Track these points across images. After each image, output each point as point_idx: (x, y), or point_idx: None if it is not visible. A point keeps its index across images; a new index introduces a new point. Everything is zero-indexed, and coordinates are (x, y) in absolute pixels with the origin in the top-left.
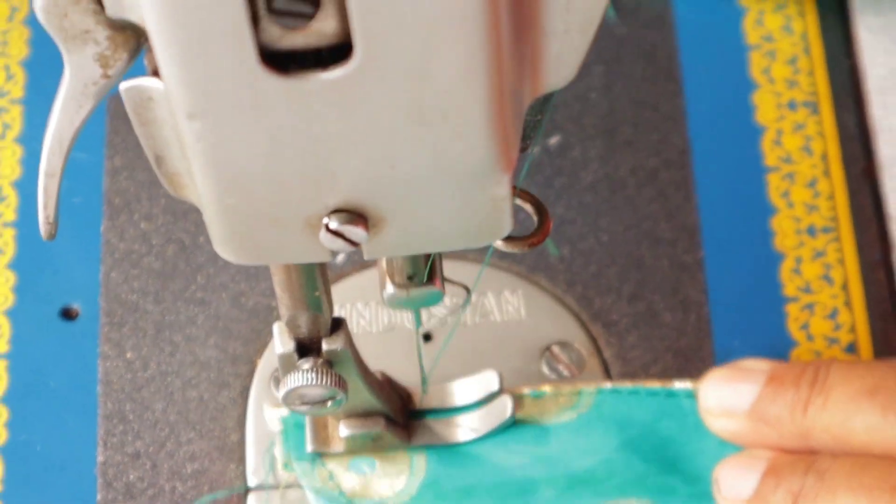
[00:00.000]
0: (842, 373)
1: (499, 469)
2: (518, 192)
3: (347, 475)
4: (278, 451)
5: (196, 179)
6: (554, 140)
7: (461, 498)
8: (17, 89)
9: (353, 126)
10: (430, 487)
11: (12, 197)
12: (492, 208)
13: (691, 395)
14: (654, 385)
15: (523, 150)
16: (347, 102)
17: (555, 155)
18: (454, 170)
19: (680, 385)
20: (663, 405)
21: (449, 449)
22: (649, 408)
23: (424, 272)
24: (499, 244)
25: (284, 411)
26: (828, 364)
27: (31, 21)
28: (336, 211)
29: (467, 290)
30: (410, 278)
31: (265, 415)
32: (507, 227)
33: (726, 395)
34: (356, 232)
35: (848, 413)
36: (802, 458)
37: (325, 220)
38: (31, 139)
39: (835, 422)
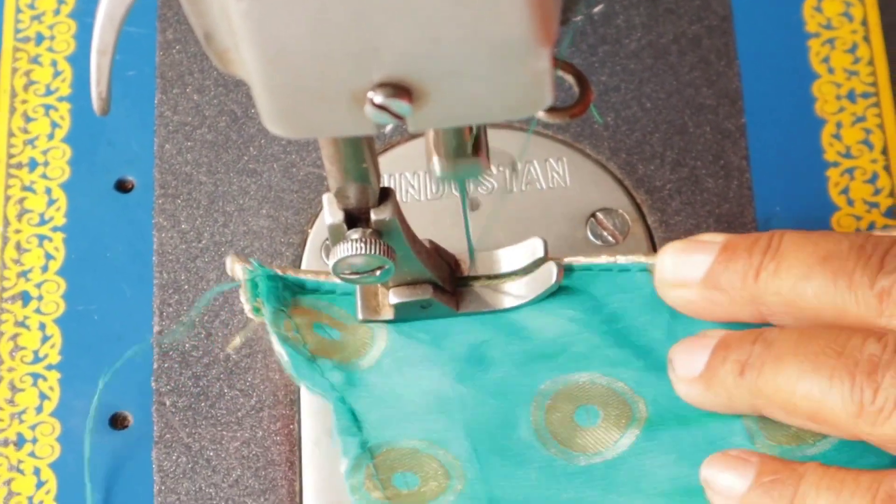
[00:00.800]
0: (795, 240)
1: (457, 343)
2: (560, 63)
3: (311, 334)
4: (244, 298)
5: (244, 56)
6: (598, 8)
7: (418, 365)
8: None
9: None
10: (389, 355)
11: (67, 71)
12: (533, 80)
13: (644, 269)
14: (606, 261)
15: (564, 22)
16: None
17: (598, 23)
18: (495, 43)
19: (632, 259)
20: (616, 280)
21: (410, 323)
22: (602, 283)
23: (469, 145)
24: (541, 115)
25: (249, 266)
26: (781, 233)
27: None
28: (381, 85)
29: (513, 162)
30: (457, 148)
31: (227, 264)
32: (548, 99)
33: (681, 266)
34: (401, 105)
35: (799, 278)
36: (752, 331)
37: (370, 95)
38: (84, 13)
39: (785, 286)
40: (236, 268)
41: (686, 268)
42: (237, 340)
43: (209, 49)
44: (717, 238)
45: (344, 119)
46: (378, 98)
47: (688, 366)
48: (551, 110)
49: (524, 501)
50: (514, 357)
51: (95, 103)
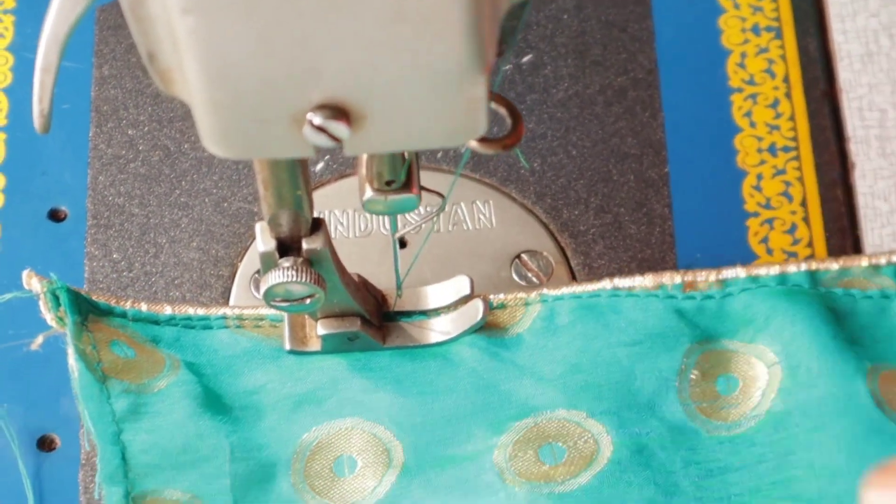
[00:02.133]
0: None
1: (237, 385)
2: (493, 95)
3: (107, 351)
4: (45, 309)
5: (187, 74)
6: (526, 58)
7: (202, 404)
8: (9, 0)
9: (337, 23)
10: (179, 386)
11: (3, 102)
12: (469, 108)
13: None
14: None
15: (499, 54)
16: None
17: (527, 72)
18: (433, 69)
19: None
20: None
21: (202, 347)
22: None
23: (402, 177)
24: (474, 145)
25: (47, 280)
26: None
27: None
28: (320, 107)
29: (442, 196)
30: (388, 184)
31: (23, 278)
32: (482, 127)
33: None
34: (338, 127)
35: None
36: None
37: (310, 116)
38: (22, 48)
39: None
40: (33, 281)
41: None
42: (40, 339)
43: (152, 69)
44: None
45: (283, 140)
46: (317, 119)
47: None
48: (484, 140)
49: None
50: (286, 401)
51: (37, 121)
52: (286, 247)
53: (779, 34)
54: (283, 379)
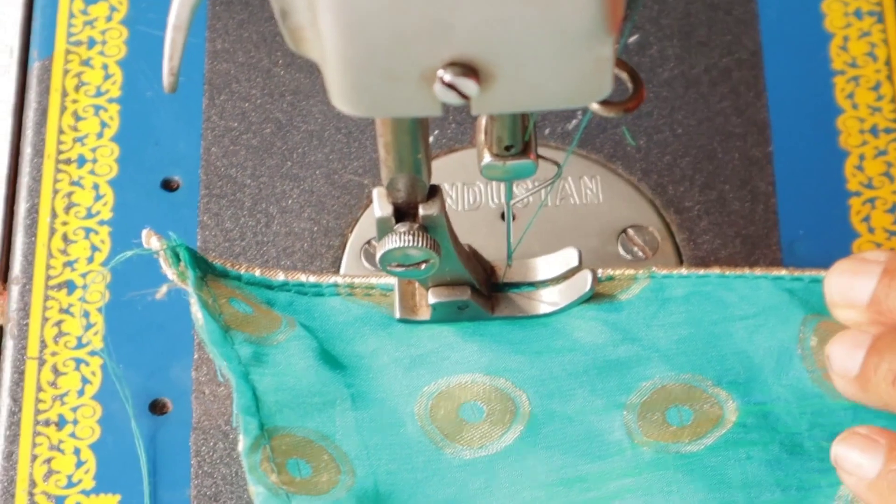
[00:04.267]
0: None
1: (354, 344)
2: (616, 60)
3: (227, 306)
4: (165, 265)
5: (321, 30)
6: (633, 38)
7: (322, 357)
8: None
9: None
10: (297, 340)
11: (118, 75)
12: (595, 68)
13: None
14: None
15: (625, 18)
16: None
17: (633, 52)
18: (564, 27)
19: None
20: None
21: (315, 312)
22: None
23: (520, 143)
24: (596, 107)
25: (161, 238)
26: None
27: None
28: (451, 64)
29: (558, 165)
30: (507, 149)
31: (142, 236)
32: (607, 88)
33: (847, 289)
34: (468, 84)
35: None
36: None
37: (440, 73)
38: (136, 21)
39: None
40: (152, 239)
41: (852, 291)
42: (164, 289)
43: (284, 26)
44: (880, 257)
45: (412, 98)
46: (447, 76)
47: (844, 364)
48: (606, 103)
49: (410, 497)
50: (401, 362)
51: (166, 79)
52: (402, 213)
53: (881, 18)
54: (395, 344)
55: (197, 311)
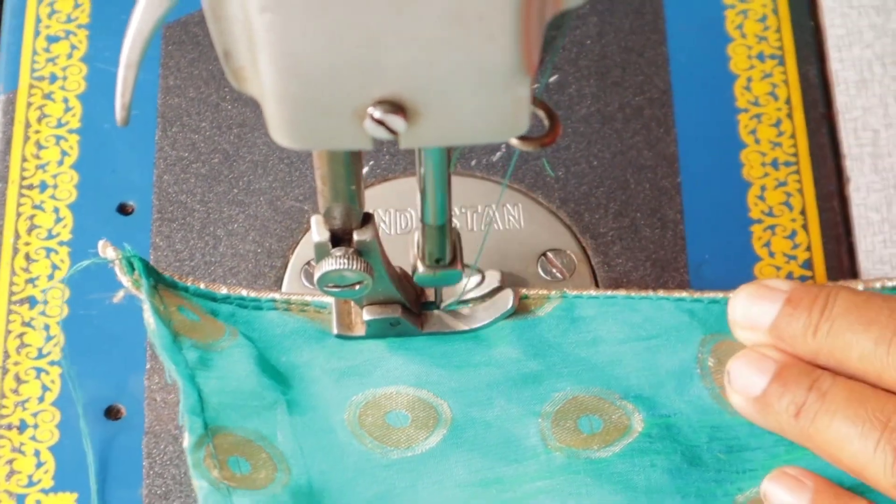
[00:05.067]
0: (845, 304)
1: (287, 352)
2: (533, 99)
3: (176, 313)
4: (120, 273)
5: (261, 69)
6: (553, 78)
7: (260, 364)
8: (84, 16)
9: (401, 23)
10: (239, 347)
11: (77, 108)
12: (513, 106)
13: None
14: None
15: (544, 61)
16: (399, 2)
17: (553, 91)
18: (485, 68)
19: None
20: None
21: (254, 324)
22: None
23: (448, 256)
24: (515, 142)
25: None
26: (836, 293)
27: None
28: (380, 102)
29: (481, 272)
30: (437, 262)
31: (99, 247)
32: (524, 125)
33: (751, 311)
34: (396, 121)
35: (847, 341)
36: (806, 371)
37: (371, 110)
38: (94, 59)
39: (837, 346)
40: (108, 250)
41: (755, 314)
42: (121, 294)
43: (227, 66)
44: (783, 286)
45: (345, 133)
46: (377, 113)
47: (745, 384)
48: (524, 138)
49: (339, 493)
50: (332, 373)
51: (118, 113)
52: (338, 238)
53: (782, 62)
54: (326, 357)
55: (149, 317)
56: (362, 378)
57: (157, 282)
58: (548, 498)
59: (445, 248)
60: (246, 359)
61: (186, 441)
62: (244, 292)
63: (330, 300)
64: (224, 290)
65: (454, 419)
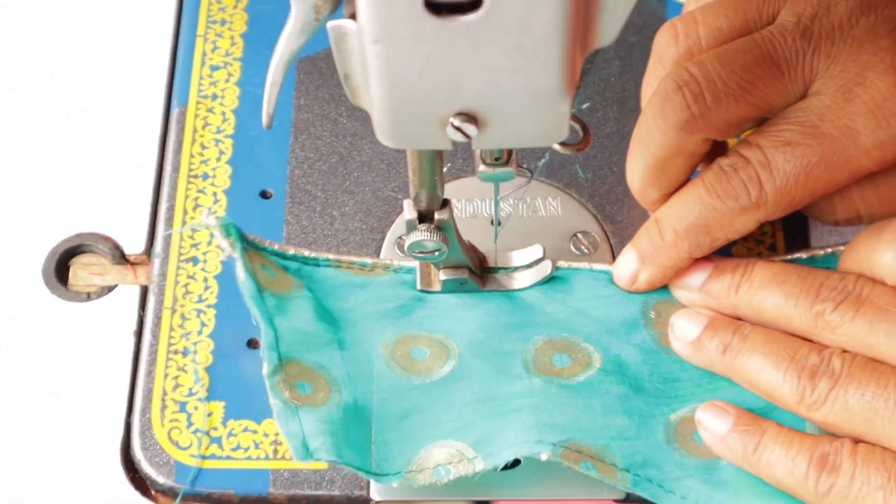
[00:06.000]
0: (761, 269)
1: (341, 301)
2: (572, 115)
3: (260, 271)
4: (220, 237)
5: (371, 88)
6: (585, 105)
7: (319, 311)
8: (238, 51)
9: (476, 54)
10: (305, 297)
11: (232, 119)
12: (557, 119)
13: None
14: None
15: (579, 87)
16: (476, 37)
17: (585, 115)
18: (537, 89)
19: (602, 266)
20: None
21: (314, 277)
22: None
23: (504, 157)
24: (557, 147)
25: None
26: (754, 262)
27: (247, 7)
28: (458, 114)
29: (530, 172)
30: (496, 160)
31: (202, 216)
32: (564, 133)
33: (688, 275)
34: (470, 128)
35: (763, 297)
36: (731, 321)
37: (451, 119)
38: (246, 83)
39: (754, 301)
40: (210, 218)
41: (691, 277)
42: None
43: (346, 86)
44: (711, 260)
45: (432, 136)
46: (456, 122)
47: (685, 331)
48: (564, 144)
49: (377, 410)
50: (370, 317)
51: (265, 119)
52: (423, 217)
53: None
54: (366, 302)
55: (241, 272)
56: (393, 321)
57: (246, 244)
58: (529, 411)
59: (502, 149)
60: (309, 306)
61: (265, 369)
62: (306, 252)
63: (369, 260)
64: (291, 251)
65: (461, 354)
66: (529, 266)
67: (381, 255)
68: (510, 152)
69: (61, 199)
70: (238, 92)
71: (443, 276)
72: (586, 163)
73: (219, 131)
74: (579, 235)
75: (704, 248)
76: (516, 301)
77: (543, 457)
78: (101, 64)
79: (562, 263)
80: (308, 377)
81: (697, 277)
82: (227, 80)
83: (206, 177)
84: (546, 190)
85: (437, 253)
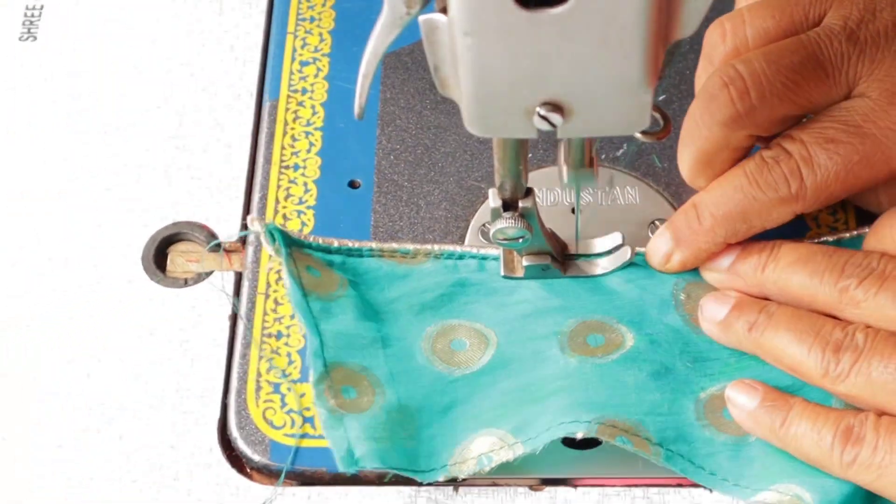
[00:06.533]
0: (787, 249)
1: (386, 301)
2: (653, 106)
3: (305, 273)
4: (265, 243)
5: (460, 79)
6: (662, 97)
7: (363, 310)
8: (326, 47)
9: (563, 46)
10: (349, 297)
11: (321, 112)
12: (639, 108)
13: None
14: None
15: (660, 77)
16: (563, 29)
17: (662, 104)
18: (620, 79)
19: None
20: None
21: (358, 269)
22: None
23: (586, 161)
24: (639, 136)
25: (262, 221)
26: (780, 243)
27: (335, 6)
28: (544, 103)
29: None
30: (580, 165)
31: (248, 221)
32: (646, 122)
33: (717, 258)
34: (556, 117)
35: (788, 275)
36: (757, 301)
37: (538, 109)
38: (335, 78)
39: (781, 278)
40: (255, 223)
41: (719, 259)
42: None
43: (436, 77)
44: (742, 242)
45: (518, 125)
46: (542, 111)
47: (713, 313)
48: (645, 133)
49: (419, 406)
50: (413, 309)
51: (357, 110)
52: (507, 205)
53: None
54: (411, 292)
55: (286, 279)
56: (435, 311)
57: (291, 246)
58: (565, 393)
59: (583, 157)
60: (353, 305)
61: (311, 377)
62: (350, 243)
63: (411, 246)
64: (336, 243)
65: (499, 343)
66: (608, 252)
67: (466, 242)
68: (591, 159)
69: (159, 190)
70: (327, 86)
71: (525, 262)
72: (662, 153)
73: (308, 124)
74: (657, 223)
75: (740, 236)
76: (552, 285)
77: (579, 435)
78: (194, 59)
79: (640, 250)
80: (353, 381)
81: (726, 259)
82: (316, 76)
83: (296, 168)
84: (625, 180)
85: (520, 240)
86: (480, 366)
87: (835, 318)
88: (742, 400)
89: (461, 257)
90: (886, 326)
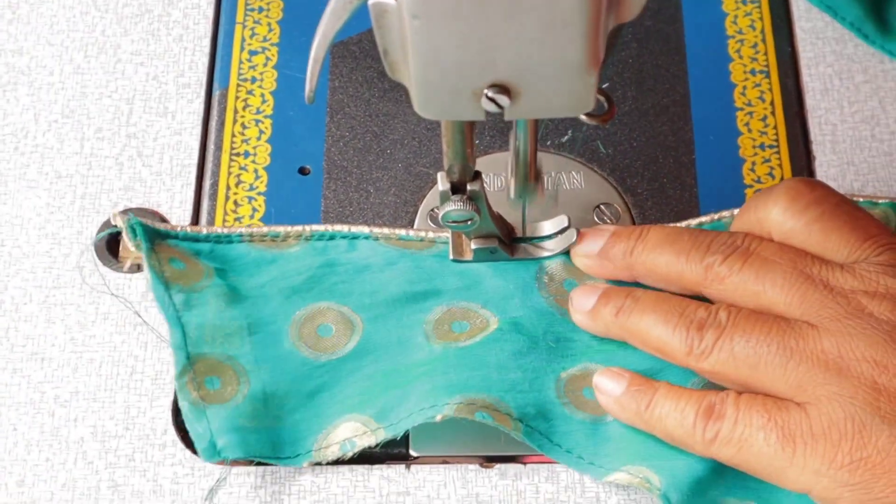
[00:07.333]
0: (656, 233)
1: (249, 285)
2: (598, 89)
3: (168, 266)
4: (127, 238)
5: (409, 63)
6: (605, 85)
7: (224, 299)
8: (275, 37)
9: (509, 29)
10: (212, 288)
11: (270, 101)
12: (584, 90)
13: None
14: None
15: (605, 60)
16: (509, 12)
17: (606, 91)
18: (566, 62)
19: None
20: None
21: (227, 256)
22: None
23: (531, 176)
24: (584, 118)
25: (127, 217)
26: (649, 227)
27: None
28: (492, 85)
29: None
30: (525, 180)
31: (110, 217)
32: (591, 104)
33: (587, 243)
34: (503, 99)
35: (656, 254)
36: (624, 289)
37: (485, 91)
38: (283, 66)
39: (649, 259)
40: (118, 218)
41: (590, 244)
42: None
43: (385, 60)
44: (610, 227)
45: (466, 107)
46: (490, 93)
47: (582, 303)
48: (590, 115)
49: (284, 393)
50: (282, 293)
51: (307, 96)
52: (456, 188)
53: (767, 76)
54: (277, 278)
55: (147, 274)
56: (303, 295)
57: (154, 239)
58: (427, 377)
59: (528, 171)
60: (218, 295)
61: (174, 371)
62: (219, 230)
63: (280, 229)
64: (205, 231)
65: (365, 329)
66: (554, 235)
67: (415, 226)
68: (537, 173)
69: (111, 176)
70: (276, 75)
71: (474, 245)
72: (607, 139)
73: (258, 112)
74: (602, 207)
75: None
76: (422, 268)
77: (438, 418)
78: (143, 49)
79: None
80: (217, 371)
81: (596, 244)
82: (265, 65)
83: (247, 155)
84: (571, 165)
85: (468, 223)
86: (346, 352)
87: (702, 299)
88: (609, 386)
89: (332, 237)
90: (749, 301)
